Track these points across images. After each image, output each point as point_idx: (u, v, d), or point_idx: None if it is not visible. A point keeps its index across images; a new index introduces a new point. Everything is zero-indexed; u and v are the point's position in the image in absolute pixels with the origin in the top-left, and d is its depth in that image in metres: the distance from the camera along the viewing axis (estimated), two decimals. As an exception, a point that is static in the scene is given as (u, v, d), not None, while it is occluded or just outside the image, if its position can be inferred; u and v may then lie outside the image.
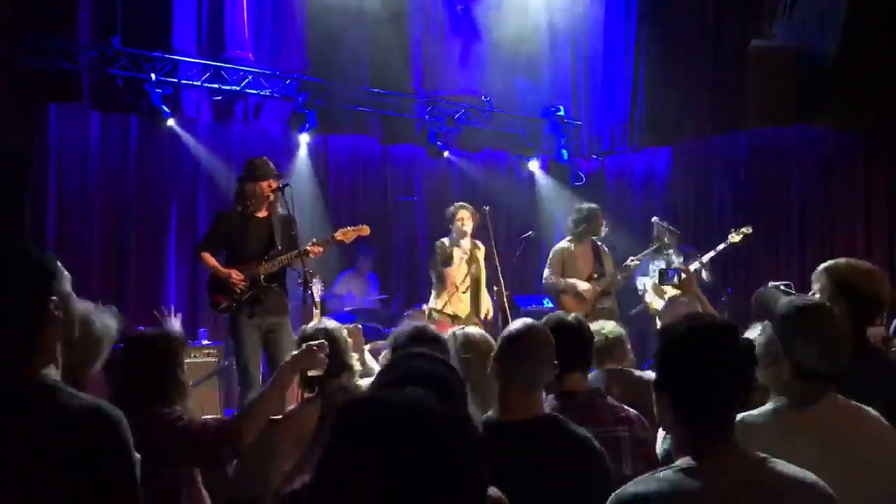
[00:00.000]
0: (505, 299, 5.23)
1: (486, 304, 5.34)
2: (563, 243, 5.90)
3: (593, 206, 5.90)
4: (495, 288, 5.28)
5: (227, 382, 5.42)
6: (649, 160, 7.97)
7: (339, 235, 4.63)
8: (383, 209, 7.45)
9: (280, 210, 4.56)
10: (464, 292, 5.19)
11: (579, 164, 8.09)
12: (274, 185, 4.51)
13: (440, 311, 5.19)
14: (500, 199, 7.48)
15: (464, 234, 5.23)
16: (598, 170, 8.32)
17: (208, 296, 4.60)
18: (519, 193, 8.05)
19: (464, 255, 5.15)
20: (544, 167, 8.11)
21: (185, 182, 6.43)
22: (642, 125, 7.48)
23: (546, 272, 5.80)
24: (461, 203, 5.37)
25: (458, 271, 5.16)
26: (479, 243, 5.35)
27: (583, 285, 5.64)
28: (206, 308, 5.22)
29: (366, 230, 4.68)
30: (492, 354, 2.16)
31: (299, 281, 4.37)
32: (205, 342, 5.60)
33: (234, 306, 4.47)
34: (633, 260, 5.82)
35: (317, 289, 4.80)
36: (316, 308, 4.33)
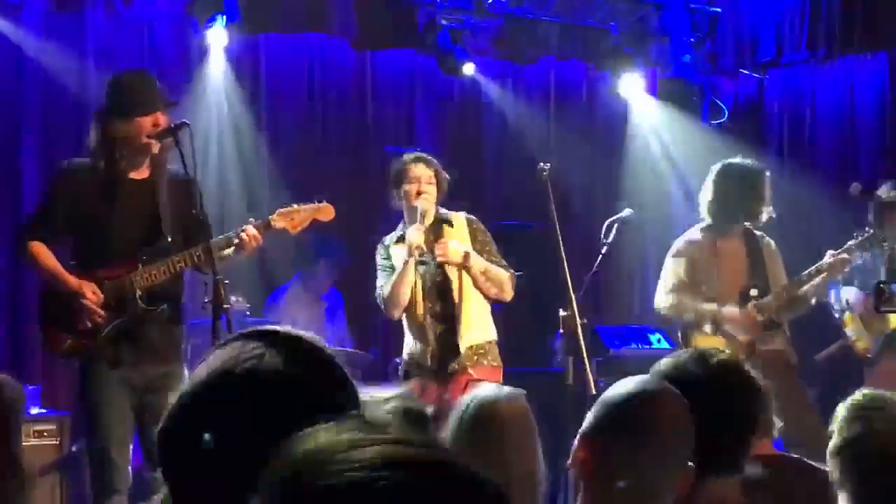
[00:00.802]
0: (579, 332, 5.12)
1: (482, 331, 5.23)
2: (693, 235, 5.93)
3: (748, 164, 5.88)
4: (562, 314, 5.19)
5: (75, 481, 5.46)
6: (848, 77, 8.02)
7: (278, 220, 4.64)
8: (360, 169, 7.55)
9: (172, 170, 4.58)
10: (426, 321, 5.14)
11: (718, 86, 8.17)
12: (161, 123, 4.49)
13: (412, 363, 5.18)
14: (568, 149, 7.83)
15: (417, 213, 5.09)
16: (753, 95, 8.44)
17: (39, 327, 4.66)
18: (604, 139, 8.31)
19: (417, 250, 5.12)
20: (652, 90, 8.21)
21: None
22: (834, 18, 7.47)
23: (661, 288, 5.91)
24: (415, 154, 5.23)
25: (403, 284, 5.10)
26: (457, 216, 5.32)
27: (731, 310, 5.70)
28: (34, 350, 5.63)
29: (327, 211, 4.74)
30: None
31: (206, 301, 4.28)
32: (35, 411, 5.57)
33: (86, 348, 4.51)
34: (832, 258, 5.62)
35: (237, 314, 5.33)
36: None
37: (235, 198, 7.00)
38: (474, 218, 5.42)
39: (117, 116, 4.49)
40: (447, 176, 5.31)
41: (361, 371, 6.33)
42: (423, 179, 5.19)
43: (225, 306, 4.18)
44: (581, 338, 5.12)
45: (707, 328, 5.72)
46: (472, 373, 5.01)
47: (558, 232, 5.21)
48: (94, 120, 4.59)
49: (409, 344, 5.24)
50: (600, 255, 6.08)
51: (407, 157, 5.30)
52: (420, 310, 5.16)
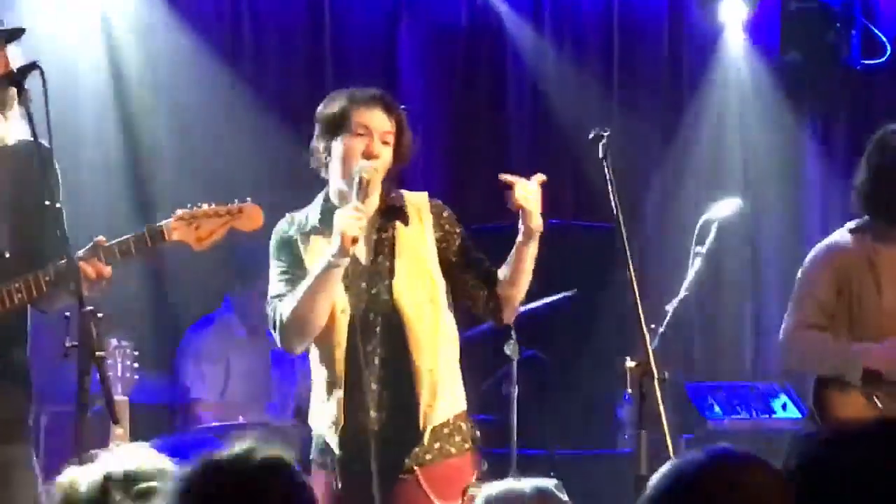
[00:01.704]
0: (658, 392, 5.11)
1: (453, 400, 5.19)
2: (839, 239, 6.08)
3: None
4: (629, 365, 5.19)
5: None
6: None
7: (176, 228, 4.73)
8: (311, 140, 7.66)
9: (16, 136, 4.66)
10: (360, 377, 5.02)
11: (877, 8, 8.53)
12: None
13: (321, 448, 5.17)
14: (637, 113, 8.27)
15: (354, 184, 4.97)
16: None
17: None
18: (694, 96, 8.45)
19: (352, 245, 4.98)
20: (772, 14, 8.50)
21: None
22: None
23: (789, 320, 6.02)
24: (371, 92, 5.15)
25: (319, 300, 4.99)
26: (416, 200, 5.29)
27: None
28: None
29: (252, 216, 4.90)
30: None
31: (67, 345, 4.31)
32: None
33: None
34: None
35: (123, 363, 5.70)
36: (116, 423, 4.70)
37: (116, 189, 7.20)
38: (441, 203, 5.36)
39: None
40: (411, 142, 5.26)
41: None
42: (377, 132, 5.07)
43: (98, 354, 4.19)
44: (661, 402, 5.05)
45: (856, 382, 5.82)
46: (425, 483, 4.89)
47: (624, 237, 5.15)
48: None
49: (320, 412, 5.13)
50: (691, 273, 6.18)
51: (356, 94, 5.14)
52: (343, 354, 5.00)
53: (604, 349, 7.03)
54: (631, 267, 5.10)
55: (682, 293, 6.16)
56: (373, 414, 4.91)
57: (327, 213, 4.98)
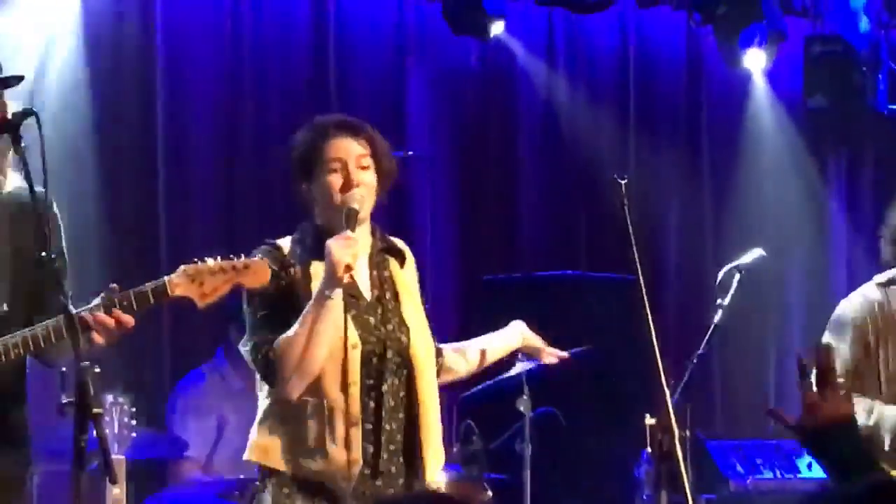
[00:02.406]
0: (678, 451, 5.20)
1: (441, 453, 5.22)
2: (868, 293, 6.04)
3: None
4: (649, 422, 5.36)
5: None
6: None
7: (178, 283, 4.63)
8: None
9: (12, 185, 4.63)
10: (358, 417, 5.02)
11: None
12: None
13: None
14: (656, 156, 8.31)
15: (343, 216, 4.95)
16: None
17: None
18: (716, 137, 8.75)
19: (346, 272, 4.96)
20: (794, 54, 8.55)
21: None
22: None
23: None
24: (336, 119, 5.10)
25: (322, 330, 5.01)
26: (404, 246, 5.31)
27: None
28: None
29: (258, 272, 4.75)
30: None
31: (63, 402, 4.18)
32: None
33: None
34: None
35: (120, 420, 5.68)
36: (114, 483, 4.77)
37: (105, 240, 7.17)
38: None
39: None
40: (392, 157, 5.22)
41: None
42: (352, 160, 4.96)
43: (95, 411, 4.06)
44: (682, 461, 5.15)
45: (886, 442, 5.81)
46: None
47: (642, 287, 5.17)
48: None
49: (317, 453, 4.99)
50: (712, 326, 6.13)
51: (320, 126, 5.12)
52: (358, 391, 4.94)
53: (621, 405, 6.99)
54: (650, 319, 5.10)
55: (703, 347, 6.10)
56: (384, 456, 4.90)
57: (307, 246, 4.96)
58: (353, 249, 4.77)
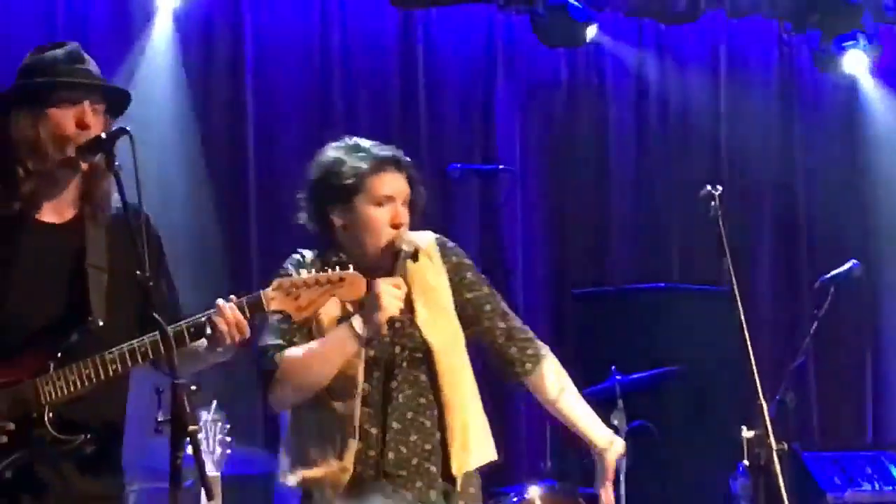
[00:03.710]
0: (776, 463, 5.10)
1: (487, 444, 5.05)
2: None
3: None
4: (746, 435, 5.40)
5: None
6: None
7: (274, 297, 4.55)
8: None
9: (107, 207, 4.51)
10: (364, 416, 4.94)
11: None
12: (89, 121, 4.37)
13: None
14: (749, 166, 8.35)
15: (401, 261, 4.93)
16: None
17: None
18: (815, 146, 8.72)
19: (386, 322, 4.91)
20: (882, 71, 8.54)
21: None
22: None
23: None
24: (382, 153, 4.93)
25: (332, 365, 4.86)
26: (422, 241, 5.10)
27: None
28: None
29: (354, 285, 4.67)
30: None
31: (159, 419, 4.15)
32: None
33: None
34: None
35: (214, 437, 5.61)
36: (210, 500, 4.59)
37: (197, 253, 7.28)
38: (448, 241, 5.19)
39: (20, 107, 4.45)
40: (422, 187, 5.11)
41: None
42: (399, 198, 4.94)
43: (191, 428, 4.02)
44: (779, 473, 5.06)
45: None
46: None
47: (737, 298, 5.14)
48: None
49: (314, 460, 4.89)
50: (808, 338, 6.19)
51: (367, 155, 5.01)
52: (361, 391, 4.84)
53: (715, 418, 6.98)
54: (746, 332, 5.06)
55: (799, 359, 6.11)
56: (390, 455, 4.82)
57: (345, 270, 4.76)
58: (401, 299, 4.77)
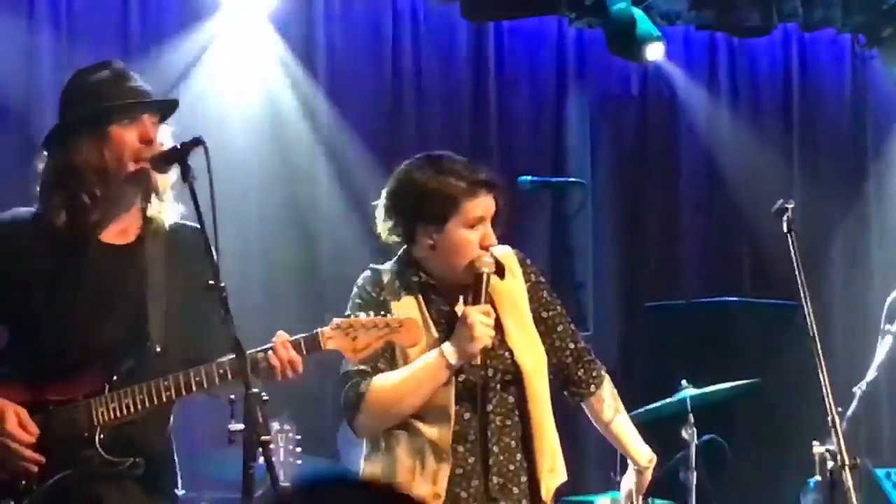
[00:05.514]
0: (849, 480, 5.00)
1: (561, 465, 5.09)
2: None
3: None
4: (818, 450, 5.44)
5: None
6: None
7: (332, 336, 4.59)
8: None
9: (176, 226, 4.65)
10: (461, 444, 4.83)
11: None
12: (152, 137, 4.50)
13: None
14: (821, 181, 8.35)
15: (483, 287, 4.82)
16: None
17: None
18: (884, 162, 8.76)
19: (484, 328, 4.76)
20: None
21: None
22: None
23: None
24: (477, 174, 4.87)
25: (425, 390, 4.78)
26: (503, 255, 5.09)
27: None
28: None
29: (411, 330, 4.70)
30: None
31: (233, 430, 4.28)
32: None
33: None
34: None
35: (285, 452, 5.98)
36: None
37: (262, 277, 7.35)
38: (525, 257, 5.15)
39: (80, 133, 4.50)
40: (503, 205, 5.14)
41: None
42: (489, 218, 4.91)
43: (263, 438, 4.11)
44: (852, 490, 4.97)
45: None
46: None
47: (809, 312, 5.05)
48: (43, 148, 4.61)
49: (410, 483, 4.85)
50: (880, 353, 6.16)
51: (463, 178, 4.88)
52: (454, 413, 4.78)
53: (785, 433, 6.95)
54: (818, 347, 5.03)
55: (872, 374, 6.08)
56: (495, 480, 4.80)
57: (425, 289, 4.87)
58: (492, 326, 4.73)
